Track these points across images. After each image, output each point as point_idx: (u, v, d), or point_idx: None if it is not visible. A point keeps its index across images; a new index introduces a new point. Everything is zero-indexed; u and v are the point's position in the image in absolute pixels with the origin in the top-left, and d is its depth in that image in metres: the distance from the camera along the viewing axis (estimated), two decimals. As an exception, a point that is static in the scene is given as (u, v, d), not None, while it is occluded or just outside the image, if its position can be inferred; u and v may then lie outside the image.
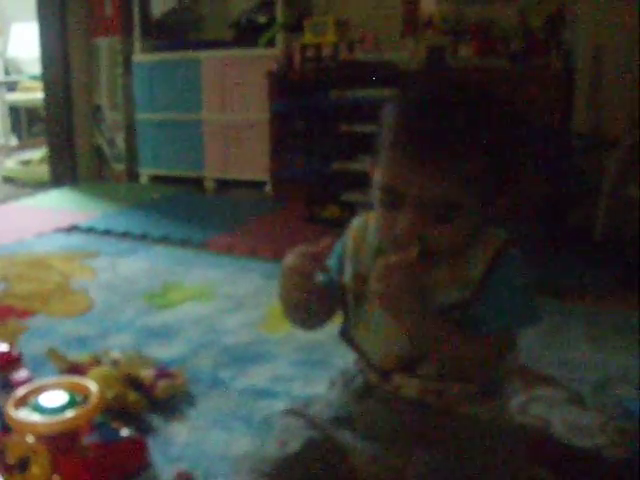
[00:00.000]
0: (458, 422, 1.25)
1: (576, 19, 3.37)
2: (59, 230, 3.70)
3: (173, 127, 4.77)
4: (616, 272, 2.68)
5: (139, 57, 4.83)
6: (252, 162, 4.45)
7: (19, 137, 7.42)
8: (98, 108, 5.11)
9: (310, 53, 3.98)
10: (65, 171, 5.10)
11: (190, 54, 4.63)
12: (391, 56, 3.83)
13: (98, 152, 5.18)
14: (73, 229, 3.72)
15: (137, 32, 4.83)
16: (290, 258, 1.22)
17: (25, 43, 7.23)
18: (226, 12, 4.82)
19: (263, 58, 4.31)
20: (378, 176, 1.17)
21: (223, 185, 4.66)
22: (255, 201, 4.32)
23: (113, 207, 4.28)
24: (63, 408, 1.42)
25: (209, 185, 4.67)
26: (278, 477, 1.21)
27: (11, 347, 1.78)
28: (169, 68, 4.73)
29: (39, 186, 5.08)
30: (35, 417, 1.40)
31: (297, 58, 4.07)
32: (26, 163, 5.71)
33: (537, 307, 1.21)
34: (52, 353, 1.83)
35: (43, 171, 5.29)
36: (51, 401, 1.43)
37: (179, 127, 4.75)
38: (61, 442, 1.39)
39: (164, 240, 3.43)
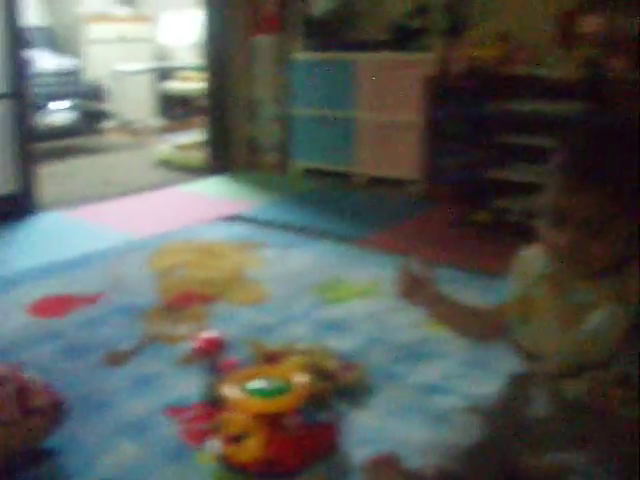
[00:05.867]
0: (616, 423, 1.41)
1: None
2: (222, 218, 3.98)
3: (326, 123, 5.00)
4: None
5: (297, 55, 5.07)
6: (401, 161, 4.63)
7: (167, 118, 7.79)
8: (254, 101, 5.38)
9: (470, 63, 4.13)
10: (221, 159, 5.41)
11: (346, 55, 4.84)
12: (547, 68, 3.93)
13: (251, 143, 5.46)
14: (235, 218, 3.99)
15: (296, 31, 5.07)
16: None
17: (174, 31, 7.66)
18: (382, 13, 4.98)
19: (417, 62, 4.48)
20: (547, 198, 1.38)
21: (372, 181, 4.86)
22: (404, 200, 4.51)
23: (269, 197, 4.55)
24: (275, 392, 1.66)
25: (359, 180, 4.88)
26: (465, 462, 1.42)
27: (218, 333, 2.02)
28: (326, 66, 4.95)
29: (194, 171, 5.41)
30: (252, 398, 1.64)
31: (455, 65, 4.22)
32: (180, 147, 6.05)
33: None
34: (253, 341, 2.08)
35: (197, 156, 5.62)
36: (264, 385, 1.68)
37: (332, 123, 4.97)
38: (271, 421, 1.63)
39: (324, 234, 3.65)
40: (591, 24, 3.72)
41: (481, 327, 1.61)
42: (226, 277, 3.01)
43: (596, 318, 1.36)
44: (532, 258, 1.50)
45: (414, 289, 1.50)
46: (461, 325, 1.64)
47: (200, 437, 1.80)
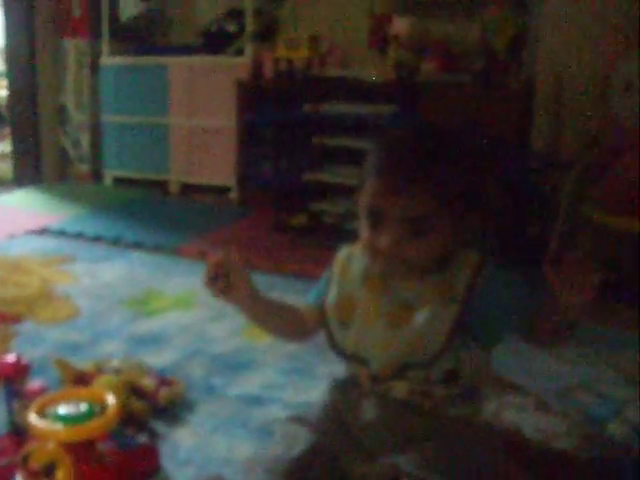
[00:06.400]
0: (442, 421, 1.40)
1: (538, 41, 3.53)
2: (30, 232, 3.76)
3: (139, 130, 4.84)
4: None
5: (106, 60, 4.88)
6: (217, 167, 4.55)
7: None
8: (63, 108, 5.15)
9: (282, 66, 4.11)
10: (29, 170, 5.12)
11: (158, 59, 4.71)
12: (359, 71, 3.97)
13: (62, 152, 5.22)
14: (44, 232, 3.78)
15: (105, 35, 4.87)
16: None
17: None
18: (194, 17, 4.89)
19: (231, 66, 4.42)
20: (363, 200, 1.35)
21: (187, 188, 4.75)
22: (220, 206, 4.44)
23: (80, 209, 4.33)
24: (84, 417, 1.53)
25: (174, 188, 4.76)
26: (290, 476, 1.36)
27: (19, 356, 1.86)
28: (136, 71, 4.80)
29: (1, 184, 5.11)
30: (58, 426, 1.51)
31: (268, 69, 4.19)
32: (-15, 159, 5.72)
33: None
34: (59, 362, 1.93)
35: (3, 168, 5.32)
36: (71, 410, 1.55)
37: (145, 130, 4.82)
38: (82, 449, 1.51)
39: (137, 245, 3.53)
40: (401, 27, 3.77)
41: (297, 327, 1.55)
42: (33, 294, 2.82)
43: (421, 317, 1.34)
44: (351, 259, 1.47)
45: (229, 287, 1.41)
46: (276, 325, 1.57)
47: (7, 473, 1.64)
